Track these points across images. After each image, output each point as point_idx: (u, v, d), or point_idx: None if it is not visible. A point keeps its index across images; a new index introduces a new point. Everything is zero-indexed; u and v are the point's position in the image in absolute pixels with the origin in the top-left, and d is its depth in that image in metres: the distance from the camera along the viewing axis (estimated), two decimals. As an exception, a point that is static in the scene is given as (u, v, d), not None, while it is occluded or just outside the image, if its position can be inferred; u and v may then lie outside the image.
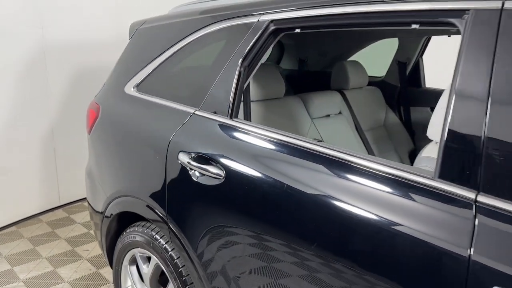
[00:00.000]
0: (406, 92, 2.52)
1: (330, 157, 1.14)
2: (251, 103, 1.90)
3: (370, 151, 2.29)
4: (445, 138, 0.94)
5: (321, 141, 1.85)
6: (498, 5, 0.93)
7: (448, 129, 0.94)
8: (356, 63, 2.41)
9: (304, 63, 3.09)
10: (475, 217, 0.87)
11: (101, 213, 1.99)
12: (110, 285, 2.52)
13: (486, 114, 0.89)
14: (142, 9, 3.33)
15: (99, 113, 2.05)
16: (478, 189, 0.89)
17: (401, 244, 0.95)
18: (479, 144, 0.89)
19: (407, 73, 2.52)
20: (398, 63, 2.54)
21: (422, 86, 2.56)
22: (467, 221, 0.88)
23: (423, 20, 1.07)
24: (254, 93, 1.87)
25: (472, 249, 0.85)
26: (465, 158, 0.91)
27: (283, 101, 2.00)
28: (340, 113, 2.26)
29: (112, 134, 1.94)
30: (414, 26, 1.10)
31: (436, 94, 2.47)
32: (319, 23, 1.32)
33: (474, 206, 0.88)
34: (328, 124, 2.12)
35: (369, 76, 2.49)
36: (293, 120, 2.01)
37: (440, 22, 1.04)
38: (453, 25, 1.01)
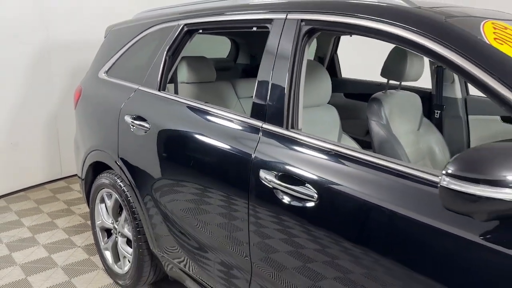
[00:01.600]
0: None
1: (221, 116, 1.80)
2: (188, 84, 2.59)
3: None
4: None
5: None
6: (284, 16, 1.59)
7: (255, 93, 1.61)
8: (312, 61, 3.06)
9: (255, 58, 3.76)
10: (260, 136, 1.54)
11: (82, 166, 2.70)
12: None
13: (269, 83, 1.56)
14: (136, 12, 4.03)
15: (81, 93, 2.76)
16: (264, 120, 1.56)
17: (225, 155, 1.61)
18: (266, 100, 1.56)
19: (325, 66, 3.17)
20: (318, 58, 3.18)
21: (338, 76, 3.21)
22: (256, 137, 1.54)
23: (257, 24, 1.74)
24: (189, 77, 2.55)
25: (255, 152, 1.52)
26: (259, 106, 1.58)
27: (215, 84, 2.68)
28: None
29: (88, 107, 2.65)
30: (254, 28, 1.77)
31: (348, 82, 3.11)
32: (211, 26, 2.00)
33: (260, 130, 1.55)
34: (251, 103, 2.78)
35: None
36: (222, 98, 2.69)
37: (262, 26, 1.70)
38: (267, 28, 1.67)
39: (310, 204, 1.33)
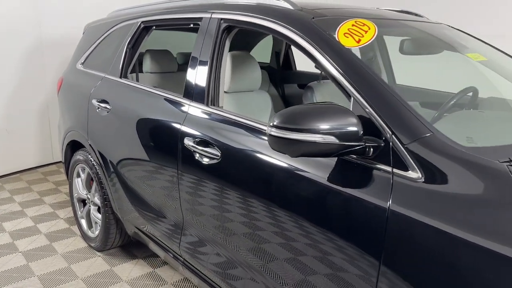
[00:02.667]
0: (282, 73, 3.53)
1: (163, 97, 2.17)
2: (154, 74, 2.97)
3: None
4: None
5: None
6: (209, 15, 1.97)
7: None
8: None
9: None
10: (187, 111, 1.92)
11: (62, 145, 3.10)
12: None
13: (196, 69, 1.94)
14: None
15: (62, 82, 3.16)
16: (192, 99, 1.94)
17: (163, 128, 1.99)
18: (193, 83, 1.94)
19: (280, 60, 3.54)
20: (276, 53, 3.56)
21: (293, 69, 3.58)
22: (185, 113, 1.92)
23: (192, 22, 2.12)
24: (153, 67, 2.93)
25: (183, 124, 1.90)
26: (189, 88, 1.96)
27: (177, 74, 3.06)
28: None
29: (67, 94, 3.05)
30: (191, 25, 2.15)
31: (302, 74, 3.48)
32: (161, 23, 2.38)
33: (188, 106, 1.93)
34: None
35: (259, 62, 3.50)
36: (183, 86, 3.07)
37: (196, 23, 2.08)
38: (199, 25, 2.05)
39: (216, 161, 1.71)
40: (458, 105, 1.97)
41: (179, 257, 2.11)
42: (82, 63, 3.00)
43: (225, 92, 2.11)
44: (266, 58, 3.68)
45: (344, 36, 1.52)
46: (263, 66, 3.60)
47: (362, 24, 1.63)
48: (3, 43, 4.14)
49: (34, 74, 4.42)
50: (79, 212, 3.05)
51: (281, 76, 3.51)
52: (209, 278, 1.92)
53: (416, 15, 2.29)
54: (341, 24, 1.58)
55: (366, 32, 1.59)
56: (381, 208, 1.16)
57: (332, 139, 1.18)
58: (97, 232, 2.85)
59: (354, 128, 1.20)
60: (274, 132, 1.21)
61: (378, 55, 2.78)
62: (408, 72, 2.76)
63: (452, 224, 1.03)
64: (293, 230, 1.41)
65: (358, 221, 1.22)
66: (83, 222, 3.01)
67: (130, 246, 2.95)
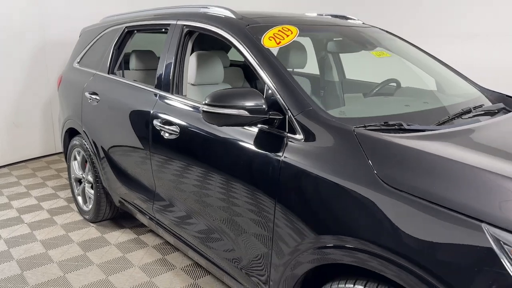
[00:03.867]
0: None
1: (140, 88, 2.67)
2: (137, 71, 3.46)
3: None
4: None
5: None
6: (168, 22, 2.46)
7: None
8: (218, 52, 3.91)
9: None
10: (157, 99, 2.41)
11: (61, 133, 3.60)
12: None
13: (164, 65, 2.43)
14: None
15: (62, 79, 3.67)
16: (160, 89, 2.42)
17: (139, 114, 2.49)
18: (162, 75, 2.43)
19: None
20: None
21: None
22: (155, 100, 2.41)
23: (164, 27, 2.61)
24: (137, 65, 3.42)
25: (153, 109, 2.39)
26: (159, 79, 2.45)
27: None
28: None
29: (66, 88, 3.55)
30: (163, 30, 2.64)
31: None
32: (141, 28, 2.88)
33: (157, 95, 2.42)
34: None
35: (235, 61, 4.00)
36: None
37: (166, 28, 2.57)
38: (168, 29, 2.54)
39: (175, 136, 2.20)
40: (382, 93, 2.47)
41: (153, 218, 2.60)
42: (78, 62, 3.51)
43: (192, 84, 2.59)
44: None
45: (268, 39, 2.00)
46: (239, 64, 4.10)
47: (287, 30, 2.11)
48: (10, 45, 4.66)
49: (38, 73, 4.94)
50: (76, 190, 3.55)
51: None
52: (176, 232, 2.41)
53: (349, 19, 2.77)
54: (268, 30, 2.06)
55: (287, 35, 2.07)
56: (277, 159, 1.65)
57: (245, 113, 1.67)
58: (90, 206, 3.35)
59: (261, 105, 1.68)
60: (205, 108, 1.70)
61: (329, 55, 3.25)
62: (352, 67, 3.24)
63: (319, 168, 1.51)
64: (223, 181, 1.90)
65: (264, 170, 1.71)
66: (79, 198, 3.51)
67: (119, 219, 3.45)
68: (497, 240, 1.10)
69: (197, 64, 2.61)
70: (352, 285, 1.43)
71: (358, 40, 2.51)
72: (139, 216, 2.82)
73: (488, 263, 1.10)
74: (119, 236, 3.21)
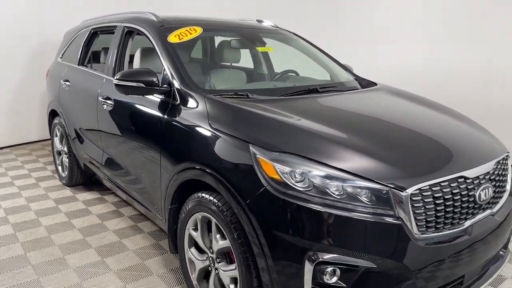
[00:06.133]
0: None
1: (97, 75, 3.47)
2: (103, 64, 4.27)
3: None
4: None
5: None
6: (116, 24, 3.27)
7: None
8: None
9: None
10: (104, 81, 3.21)
11: (47, 115, 4.45)
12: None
13: (110, 57, 3.23)
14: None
15: (49, 71, 4.52)
16: (107, 75, 3.22)
17: (92, 93, 3.30)
18: (108, 65, 3.23)
19: (208, 54, 4.81)
20: (204, 49, 4.83)
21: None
22: (102, 82, 3.21)
23: (113, 29, 3.40)
24: (103, 59, 4.22)
25: (100, 89, 3.19)
26: (107, 68, 3.25)
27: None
28: None
29: (50, 78, 4.40)
30: (114, 30, 3.44)
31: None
32: (101, 29, 3.69)
33: (104, 78, 3.22)
34: None
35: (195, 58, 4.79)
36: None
37: (114, 29, 3.36)
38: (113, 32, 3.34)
39: (111, 107, 2.99)
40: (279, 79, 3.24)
41: (105, 172, 3.39)
42: (61, 57, 4.35)
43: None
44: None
45: (174, 36, 2.78)
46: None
47: (193, 30, 2.89)
48: (14, 46, 5.56)
49: (36, 69, 5.82)
50: (57, 161, 4.38)
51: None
52: (116, 182, 3.19)
53: (260, 21, 3.54)
54: (176, 30, 2.84)
55: (191, 33, 2.85)
56: (162, 117, 2.42)
57: (141, 85, 2.44)
58: (67, 173, 4.17)
59: (153, 80, 2.44)
60: (116, 82, 2.48)
61: (260, 52, 3.99)
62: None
63: (183, 120, 2.26)
64: (136, 137, 2.68)
65: (154, 126, 2.47)
66: (59, 167, 4.34)
67: (90, 185, 4.25)
68: (253, 153, 1.84)
69: (140, 57, 3.40)
70: (202, 194, 2.14)
71: (251, 38, 3.28)
72: (98, 174, 3.62)
73: (249, 167, 1.84)
74: (87, 195, 4.01)
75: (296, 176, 1.74)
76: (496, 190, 2.04)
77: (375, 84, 3.09)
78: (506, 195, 2.18)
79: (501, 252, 2.28)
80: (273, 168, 1.77)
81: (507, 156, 2.22)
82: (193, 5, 6.81)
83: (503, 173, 2.13)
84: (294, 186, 1.72)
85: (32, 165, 4.97)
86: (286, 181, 1.73)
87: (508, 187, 2.22)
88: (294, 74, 3.46)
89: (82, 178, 4.12)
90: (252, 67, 3.99)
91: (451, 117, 2.46)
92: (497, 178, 2.04)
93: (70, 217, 3.52)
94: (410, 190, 1.69)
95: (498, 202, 2.08)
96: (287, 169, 1.75)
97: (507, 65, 4.48)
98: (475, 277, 2.03)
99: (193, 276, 2.30)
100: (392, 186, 1.68)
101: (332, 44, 4.85)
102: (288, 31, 3.62)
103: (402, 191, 1.68)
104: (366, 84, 3.10)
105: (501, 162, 2.11)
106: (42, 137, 6.09)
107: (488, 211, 1.98)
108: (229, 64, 3.68)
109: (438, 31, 4.98)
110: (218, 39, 3.61)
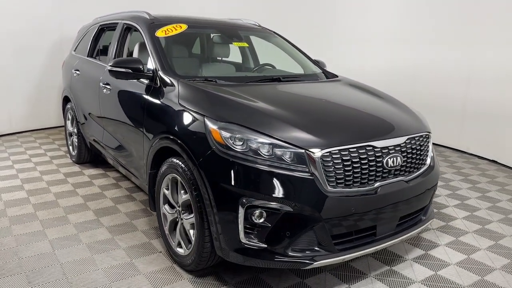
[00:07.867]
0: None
1: (99, 64, 4.03)
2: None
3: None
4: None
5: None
6: (118, 21, 3.81)
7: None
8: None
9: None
10: (106, 70, 3.76)
11: (61, 100, 5.05)
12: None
13: (110, 49, 3.78)
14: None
15: (64, 63, 5.12)
16: (108, 64, 3.78)
17: (96, 79, 3.85)
18: (109, 56, 3.78)
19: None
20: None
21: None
22: (104, 70, 3.77)
23: (114, 26, 3.95)
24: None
25: (102, 76, 3.74)
26: (109, 59, 3.81)
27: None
28: None
29: (65, 69, 4.99)
30: (116, 27, 3.99)
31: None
32: (106, 26, 4.25)
33: (105, 67, 3.77)
34: None
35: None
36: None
37: (115, 26, 3.91)
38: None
39: (109, 92, 3.53)
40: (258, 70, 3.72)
41: (105, 147, 3.94)
42: (74, 51, 4.94)
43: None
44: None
45: (161, 31, 3.30)
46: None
47: (179, 26, 3.40)
48: (36, 40, 6.21)
49: (55, 61, 6.44)
50: (69, 141, 4.98)
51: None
52: (114, 157, 3.74)
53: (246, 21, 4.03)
54: (164, 26, 3.36)
55: (176, 29, 3.37)
56: (144, 97, 2.94)
57: (129, 71, 2.96)
58: (76, 151, 4.75)
59: (139, 67, 2.96)
60: (109, 68, 3.01)
61: (247, 49, 4.48)
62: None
63: (158, 100, 2.78)
64: (127, 115, 3.20)
65: (139, 106, 2.99)
66: (70, 147, 4.93)
67: (98, 163, 4.82)
68: (206, 124, 2.34)
69: (138, 50, 3.94)
70: (172, 159, 2.64)
71: (230, 34, 3.78)
72: (100, 150, 4.17)
73: (202, 134, 2.33)
74: (92, 171, 4.58)
75: (236, 141, 2.22)
76: (410, 161, 2.48)
77: (337, 76, 3.54)
78: (424, 168, 2.61)
79: (422, 217, 2.71)
80: (219, 134, 2.26)
81: (426, 135, 2.66)
82: (199, 11, 7.37)
83: (420, 148, 2.56)
84: (234, 148, 2.21)
85: (48, 146, 5.58)
86: (228, 144, 2.22)
87: (428, 161, 2.66)
88: (271, 67, 3.94)
89: (89, 156, 4.69)
90: (241, 61, 4.49)
91: (383, 102, 2.90)
92: (410, 151, 2.47)
93: (75, 187, 4.08)
94: (321, 153, 2.15)
95: (413, 172, 2.51)
96: (228, 134, 2.24)
97: (486, 66, 4.85)
98: (389, 232, 2.47)
99: (166, 227, 2.81)
100: (307, 149, 2.15)
101: (329, 44, 5.29)
102: (269, 30, 4.10)
103: (314, 154, 2.15)
104: (330, 76, 3.56)
105: (416, 138, 2.55)
106: (60, 124, 6.72)
107: (400, 177, 2.42)
108: (220, 58, 4.18)
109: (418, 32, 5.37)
110: (210, 36, 4.09)
